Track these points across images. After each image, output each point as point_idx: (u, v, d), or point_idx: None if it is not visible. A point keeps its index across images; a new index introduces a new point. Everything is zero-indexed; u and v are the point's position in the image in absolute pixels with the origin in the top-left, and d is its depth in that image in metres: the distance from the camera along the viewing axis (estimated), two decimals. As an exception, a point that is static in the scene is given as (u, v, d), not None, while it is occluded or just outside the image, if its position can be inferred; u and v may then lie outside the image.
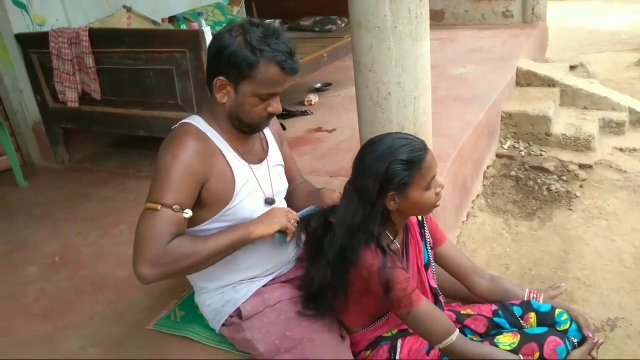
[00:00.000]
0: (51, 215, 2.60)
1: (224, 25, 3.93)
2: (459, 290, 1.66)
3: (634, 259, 2.65)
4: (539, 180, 3.47)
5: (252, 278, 1.47)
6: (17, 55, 2.95)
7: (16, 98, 3.08)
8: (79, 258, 2.18)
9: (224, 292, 1.47)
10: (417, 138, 1.34)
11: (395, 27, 1.86)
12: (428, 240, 1.51)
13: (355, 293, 1.37)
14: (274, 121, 1.62)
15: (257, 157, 1.49)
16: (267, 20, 4.28)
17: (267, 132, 1.57)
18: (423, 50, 1.95)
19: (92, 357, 1.61)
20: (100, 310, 1.81)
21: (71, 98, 2.76)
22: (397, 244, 1.39)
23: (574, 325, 1.40)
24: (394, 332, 1.45)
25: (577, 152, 3.72)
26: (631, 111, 4.07)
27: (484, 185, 3.44)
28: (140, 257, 1.22)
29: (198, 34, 2.28)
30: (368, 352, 1.45)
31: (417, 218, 1.51)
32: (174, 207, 1.25)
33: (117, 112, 2.75)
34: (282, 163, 1.59)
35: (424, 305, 1.29)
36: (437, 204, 1.35)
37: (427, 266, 1.50)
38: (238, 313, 1.45)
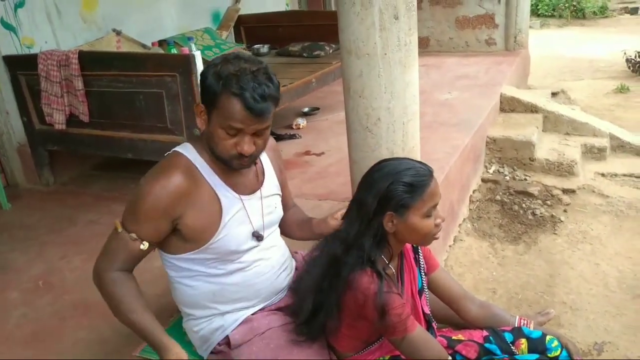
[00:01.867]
0: (35, 239, 2.56)
1: (213, 49, 3.97)
2: (449, 315, 1.66)
3: (618, 282, 2.69)
4: (523, 205, 3.52)
5: (241, 308, 1.46)
6: (4, 76, 2.94)
7: (2, 119, 3.06)
8: (63, 283, 2.13)
9: (212, 320, 1.45)
10: (426, 165, 1.36)
11: (385, 54, 1.89)
12: (422, 266, 1.51)
13: (348, 317, 1.36)
14: (273, 147, 1.60)
15: (248, 188, 1.46)
16: (256, 46, 4.31)
17: (265, 159, 1.54)
18: (412, 77, 1.98)
19: (76, 384, 1.57)
20: (84, 336, 1.77)
21: (58, 120, 2.74)
22: (392, 269, 1.39)
23: (564, 353, 1.41)
24: (387, 358, 1.44)
25: (560, 177, 3.79)
26: (612, 137, 4.16)
27: (470, 209, 3.48)
28: (95, 264, 1.37)
29: (189, 58, 2.30)
30: (359, 378, 1.43)
31: (412, 245, 1.52)
32: (130, 234, 1.31)
33: (105, 135, 2.73)
34: (279, 192, 1.58)
35: (418, 331, 1.29)
36: (437, 236, 1.35)
37: (420, 292, 1.50)
38: (227, 341, 1.43)
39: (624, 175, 3.89)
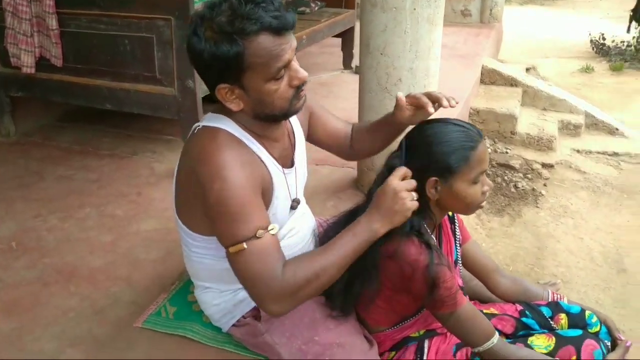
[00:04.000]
0: (1, 194, 2.28)
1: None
2: (475, 289, 1.59)
3: (603, 257, 2.74)
4: (506, 178, 3.53)
5: None
6: (-42, 8, 2.56)
7: (-45, 58, 2.69)
8: (41, 244, 1.91)
9: (237, 292, 1.30)
10: (475, 127, 1.24)
11: (414, 9, 1.76)
12: (458, 237, 1.43)
13: (389, 289, 1.26)
14: None
15: (288, 158, 1.30)
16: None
17: (292, 118, 1.36)
18: (437, 36, 1.87)
19: (74, 357, 1.39)
20: (74, 305, 1.58)
21: (27, 63, 2.43)
22: (434, 239, 1.29)
23: (603, 328, 1.37)
24: (422, 332, 1.35)
25: (539, 152, 3.83)
26: (587, 115, 4.23)
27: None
28: (263, 300, 1.10)
29: (187, 1, 2.05)
30: (393, 353, 1.34)
31: (448, 213, 1.42)
32: (257, 234, 1.08)
33: (80, 82, 2.45)
34: (305, 152, 1.42)
35: (467, 305, 1.21)
36: (482, 204, 1.26)
37: (455, 264, 1.41)
38: (254, 313, 1.30)
39: (598, 152, 3.98)
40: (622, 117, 4.73)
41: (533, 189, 3.42)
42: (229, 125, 1.16)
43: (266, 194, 1.19)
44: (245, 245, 1.06)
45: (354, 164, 2.33)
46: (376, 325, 1.35)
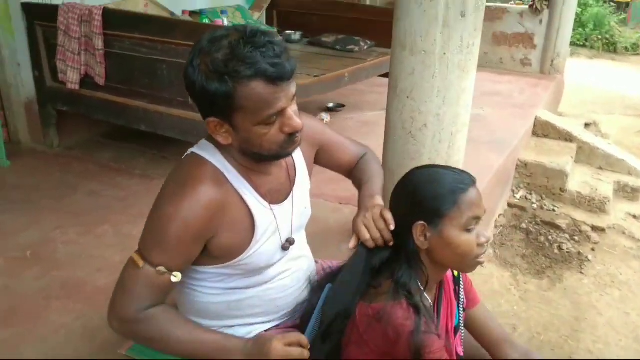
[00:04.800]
0: (31, 202, 2.36)
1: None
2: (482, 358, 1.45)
3: (649, 337, 2.47)
4: (550, 237, 3.31)
5: (255, 323, 1.25)
6: (20, 25, 2.73)
7: (12, 71, 2.85)
8: (54, 256, 1.93)
9: (219, 330, 1.24)
10: (467, 173, 1.15)
11: (444, 54, 1.69)
12: (462, 300, 1.30)
13: (373, 352, 1.15)
14: (303, 125, 1.24)
15: (282, 193, 1.23)
16: (287, 32, 4.03)
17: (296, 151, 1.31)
18: (469, 84, 1.78)
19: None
20: (68, 322, 1.57)
21: (72, 79, 2.54)
22: (429, 300, 1.18)
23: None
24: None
25: (590, 213, 3.58)
26: (647, 178, 3.94)
27: (494, 234, 3.27)
28: (113, 308, 1.10)
29: (223, 31, 2.08)
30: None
31: (453, 273, 1.31)
32: (157, 268, 1.06)
33: (119, 102, 2.53)
34: (309, 185, 1.36)
35: (457, 380, 1.09)
36: (480, 259, 1.14)
37: (456, 330, 1.29)
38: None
39: (657, 220, 3.67)
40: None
41: (579, 253, 3.18)
42: (216, 158, 1.12)
43: (244, 232, 1.14)
44: (141, 265, 1.06)
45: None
46: (362, 386, 1.24)
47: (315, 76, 2.96)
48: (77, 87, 2.57)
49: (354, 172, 1.45)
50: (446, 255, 1.13)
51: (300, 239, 1.36)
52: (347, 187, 2.62)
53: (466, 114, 1.82)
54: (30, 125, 2.96)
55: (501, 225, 3.36)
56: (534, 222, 3.42)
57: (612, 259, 3.18)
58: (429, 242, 1.12)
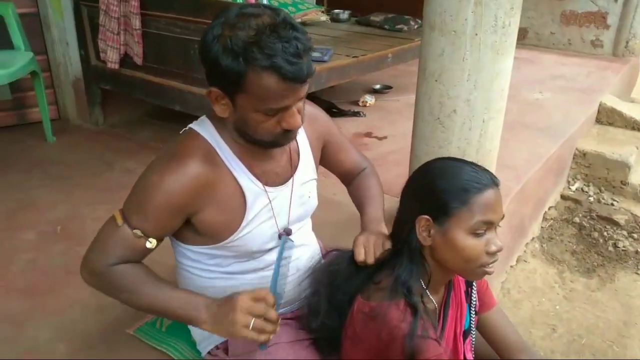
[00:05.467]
0: (67, 179, 2.43)
1: (289, 7, 3.69)
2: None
3: None
4: (605, 233, 3.07)
5: None
6: (68, 5, 2.80)
7: (61, 50, 2.95)
8: (81, 232, 1.99)
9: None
10: (491, 174, 1.05)
11: (476, 34, 1.55)
12: (474, 302, 1.21)
13: (368, 352, 1.09)
14: (312, 116, 1.27)
15: (280, 176, 1.19)
16: (335, 10, 3.91)
17: (301, 136, 1.27)
18: (504, 67, 1.63)
19: (59, 352, 1.41)
20: (83, 298, 1.60)
21: (112, 58, 2.59)
22: (433, 302, 1.10)
23: None
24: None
25: (654, 209, 3.28)
26: None
27: (542, 227, 3.07)
28: (85, 259, 1.11)
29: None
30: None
31: (463, 272, 1.21)
32: (134, 231, 1.06)
33: (156, 81, 2.55)
34: (316, 176, 1.31)
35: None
36: (488, 269, 1.04)
37: (466, 334, 1.20)
38: (226, 346, 1.20)
39: None
40: None
41: (637, 252, 2.93)
42: (209, 133, 1.10)
43: (234, 211, 1.11)
44: (120, 223, 1.06)
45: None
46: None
47: (355, 57, 2.86)
48: (116, 66, 2.62)
49: (355, 185, 1.43)
50: (448, 257, 1.04)
51: (304, 228, 1.31)
52: (380, 174, 2.54)
53: (501, 99, 1.68)
54: (78, 103, 3.06)
55: (551, 219, 3.15)
56: (588, 217, 3.18)
57: (675, 261, 2.91)
58: (432, 239, 1.03)
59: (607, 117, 3.89)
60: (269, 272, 1.20)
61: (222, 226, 1.10)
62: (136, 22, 2.42)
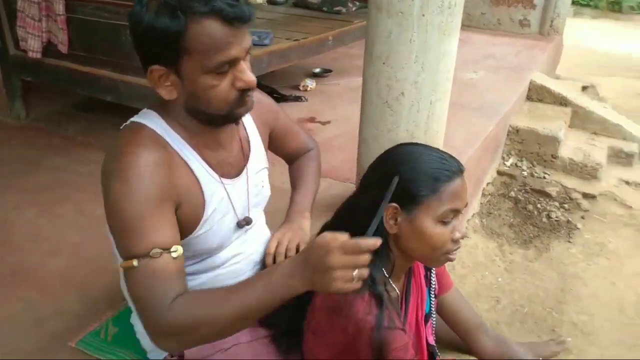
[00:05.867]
0: (-9, 179, 2.25)
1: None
2: (455, 341, 1.38)
3: (635, 309, 2.41)
4: (539, 205, 3.22)
5: None
6: (-22, -11, 2.56)
7: (-27, 38, 2.69)
8: (10, 239, 1.83)
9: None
10: (456, 160, 1.04)
11: (423, 15, 1.54)
12: (434, 286, 1.22)
13: (333, 347, 1.07)
14: (260, 103, 1.21)
15: (234, 167, 1.13)
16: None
17: (248, 123, 1.22)
18: (450, 48, 1.64)
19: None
20: (16, 312, 1.48)
21: (33, 47, 2.39)
22: (396, 290, 1.09)
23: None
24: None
25: (582, 180, 3.48)
26: (643, 144, 3.83)
27: (481, 203, 3.18)
28: (147, 328, 0.92)
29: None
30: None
31: (422, 257, 1.21)
32: (151, 253, 0.90)
33: (84, 71, 2.38)
34: (267, 165, 1.27)
35: (422, 377, 1.01)
36: (451, 255, 1.04)
37: (427, 318, 1.21)
38: (181, 353, 1.14)
39: (651, 186, 3.58)
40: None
41: (568, 221, 3.10)
42: (155, 122, 1.02)
43: (194, 207, 1.03)
44: (135, 263, 0.89)
45: (355, 177, 2.14)
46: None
47: (296, 40, 2.80)
48: (39, 55, 2.42)
49: (295, 165, 1.42)
50: (414, 245, 1.03)
51: (259, 221, 1.27)
52: (325, 159, 2.46)
53: (447, 81, 1.69)
54: (-4, 96, 2.82)
55: (489, 194, 3.27)
56: (523, 190, 3.33)
57: (602, 227, 3.10)
58: (398, 227, 1.02)
59: (536, 94, 4.06)
60: (226, 270, 1.16)
61: (186, 222, 1.03)
62: (59, 7, 2.24)
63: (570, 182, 3.44)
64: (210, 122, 1.03)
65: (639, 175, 3.67)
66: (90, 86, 2.41)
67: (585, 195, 3.34)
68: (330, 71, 3.89)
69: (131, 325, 1.35)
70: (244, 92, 0.99)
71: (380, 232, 1.03)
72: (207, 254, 1.13)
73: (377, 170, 1.08)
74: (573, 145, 3.67)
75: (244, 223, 1.16)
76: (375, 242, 0.83)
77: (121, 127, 1.05)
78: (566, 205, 3.26)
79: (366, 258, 0.84)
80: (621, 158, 3.76)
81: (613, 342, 2.18)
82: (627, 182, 3.61)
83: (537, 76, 4.12)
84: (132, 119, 1.05)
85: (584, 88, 4.96)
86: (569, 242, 2.94)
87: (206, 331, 0.89)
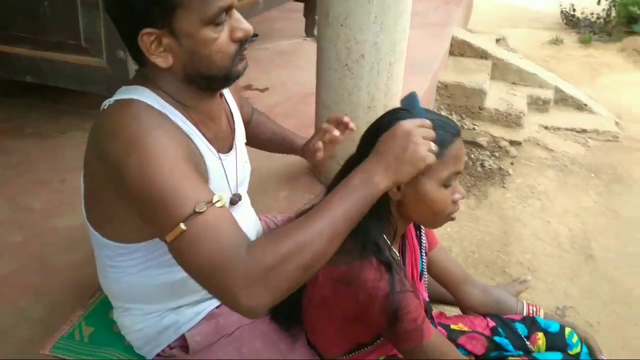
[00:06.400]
0: None
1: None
2: (441, 294, 1.43)
3: (570, 242, 2.64)
4: (472, 156, 3.38)
5: (202, 300, 1.10)
6: None
7: None
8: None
9: (163, 316, 1.08)
10: (454, 121, 1.04)
11: (380, -27, 1.51)
12: (424, 245, 1.23)
13: (340, 318, 1.06)
14: None
15: (226, 141, 1.07)
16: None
17: (228, 96, 1.15)
18: (405, 7, 1.63)
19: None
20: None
21: None
22: (397, 253, 1.09)
23: (584, 348, 1.22)
24: (381, 359, 1.17)
25: (507, 128, 3.69)
26: (557, 90, 4.10)
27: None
28: (226, 291, 0.77)
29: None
30: (349, 382, 1.16)
31: (414, 219, 1.22)
32: (197, 208, 0.79)
33: (-4, 49, 2.11)
34: (245, 139, 1.20)
35: (435, 338, 1.02)
36: (453, 216, 1.06)
37: (421, 276, 1.23)
38: (182, 343, 1.08)
39: (566, 129, 3.87)
40: (588, 92, 4.64)
41: (500, 168, 3.29)
42: (147, 97, 0.91)
43: None
44: (183, 226, 0.77)
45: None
46: (328, 352, 1.16)
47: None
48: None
49: (254, 122, 1.40)
50: (419, 210, 1.02)
51: (244, 197, 1.21)
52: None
53: (403, 40, 1.69)
54: None
55: (427, 149, 3.38)
56: (457, 143, 3.48)
57: (530, 171, 3.33)
58: (402, 193, 1.00)
59: (458, 49, 4.20)
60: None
61: None
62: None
63: (498, 132, 3.64)
64: (210, 86, 0.95)
65: (556, 120, 3.96)
66: (6, 66, 2.14)
67: (512, 143, 3.55)
68: (256, 35, 3.73)
69: (111, 321, 1.26)
70: (242, 44, 0.92)
71: (383, 200, 1.02)
72: None
73: (376, 137, 1.04)
74: (496, 96, 3.86)
75: (237, 199, 1.11)
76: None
77: (103, 108, 0.93)
78: (496, 154, 3.45)
79: (433, 132, 0.93)
80: (539, 105, 4.02)
81: (556, 276, 2.38)
82: (546, 127, 3.88)
83: (458, 31, 4.25)
84: (115, 98, 0.93)
85: (497, 41, 5.19)
86: (504, 187, 3.12)
87: (298, 259, 0.78)
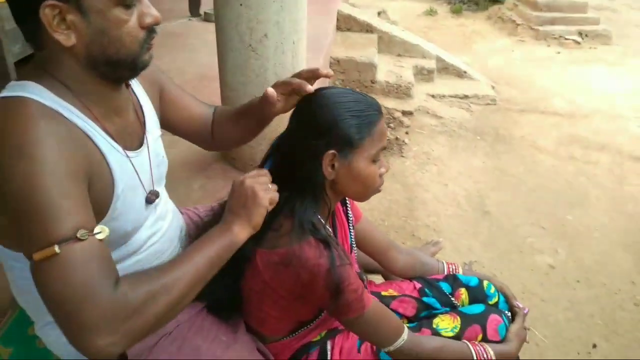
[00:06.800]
0: None
1: None
2: (368, 263, 1.48)
3: (467, 201, 2.85)
4: (370, 129, 3.51)
5: None
6: None
7: None
8: None
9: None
10: (373, 98, 1.06)
11: (277, -51, 1.48)
12: (351, 219, 1.26)
13: (282, 299, 1.06)
14: None
15: (134, 137, 0.99)
16: None
17: (136, 86, 1.06)
18: (305, -16, 1.62)
19: None
20: None
21: None
22: (329, 230, 1.11)
23: (501, 297, 1.33)
24: (323, 334, 1.19)
25: (399, 100, 3.87)
26: (438, 59, 4.36)
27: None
28: (83, 329, 0.73)
29: None
30: (293, 363, 1.17)
31: (341, 195, 1.24)
32: (78, 234, 0.74)
33: None
34: (160, 133, 1.12)
35: (374, 305, 1.06)
36: (380, 188, 1.10)
37: (351, 249, 1.26)
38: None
39: (450, 96, 4.15)
40: (465, 59, 5.00)
41: (397, 138, 3.44)
42: (39, 93, 0.82)
43: (103, 186, 0.89)
44: (57, 249, 0.73)
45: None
46: (271, 335, 1.16)
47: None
48: None
49: (221, 112, 1.24)
50: (351, 186, 1.05)
51: (163, 193, 1.15)
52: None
53: (304, 19, 1.68)
54: None
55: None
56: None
57: (423, 138, 3.53)
58: (336, 172, 1.02)
59: (345, 24, 4.29)
60: (145, 253, 1.04)
61: (93, 205, 0.86)
62: None
63: (391, 103, 3.80)
64: (114, 73, 0.87)
65: (441, 88, 4.22)
66: None
67: (405, 113, 3.73)
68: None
69: (33, 337, 1.14)
70: (149, 32, 0.87)
71: (319, 180, 1.02)
72: (123, 239, 0.98)
73: (306, 120, 1.04)
74: (385, 68, 4.02)
75: (153, 198, 1.04)
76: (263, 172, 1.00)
77: None
78: (392, 125, 3.60)
79: (265, 173, 1.00)
80: (424, 75, 4.25)
81: (460, 234, 2.57)
82: (433, 96, 4.13)
83: (343, 6, 4.33)
84: (2, 95, 0.81)
85: (379, 14, 5.37)
86: (403, 156, 3.29)
87: (160, 305, 0.79)
